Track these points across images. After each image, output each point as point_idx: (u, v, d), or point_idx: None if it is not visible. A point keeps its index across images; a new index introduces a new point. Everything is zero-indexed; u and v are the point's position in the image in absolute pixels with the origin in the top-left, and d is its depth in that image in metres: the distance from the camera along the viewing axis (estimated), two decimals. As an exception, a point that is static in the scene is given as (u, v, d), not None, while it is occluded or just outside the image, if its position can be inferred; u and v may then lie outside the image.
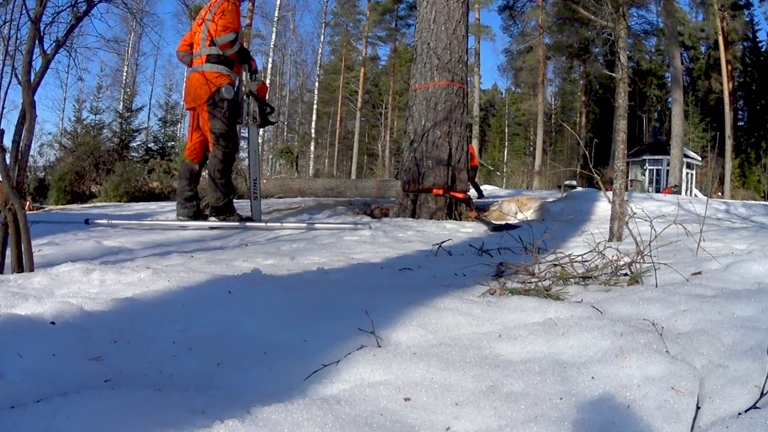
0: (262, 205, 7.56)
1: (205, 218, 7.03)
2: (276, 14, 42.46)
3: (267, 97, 7.48)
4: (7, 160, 3.32)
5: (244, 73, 7.16)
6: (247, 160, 8.00)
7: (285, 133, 58.87)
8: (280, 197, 13.29)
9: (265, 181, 15.10)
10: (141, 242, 5.13)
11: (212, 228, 6.55)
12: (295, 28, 58.98)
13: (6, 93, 3.82)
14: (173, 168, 16.75)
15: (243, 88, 7.11)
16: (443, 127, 8.30)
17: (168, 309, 2.34)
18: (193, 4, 7.63)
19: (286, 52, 60.91)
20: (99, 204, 12.63)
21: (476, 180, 19.21)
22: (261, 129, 7.59)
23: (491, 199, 12.23)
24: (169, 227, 6.55)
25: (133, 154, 23.90)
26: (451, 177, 8.21)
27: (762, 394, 1.36)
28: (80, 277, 3.02)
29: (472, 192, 16.80)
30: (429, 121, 8.35)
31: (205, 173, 7.62)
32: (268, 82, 42.63)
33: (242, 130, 7.61)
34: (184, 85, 7.16)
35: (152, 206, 10.13)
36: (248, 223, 6.73)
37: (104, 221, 6.60)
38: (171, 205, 9.78)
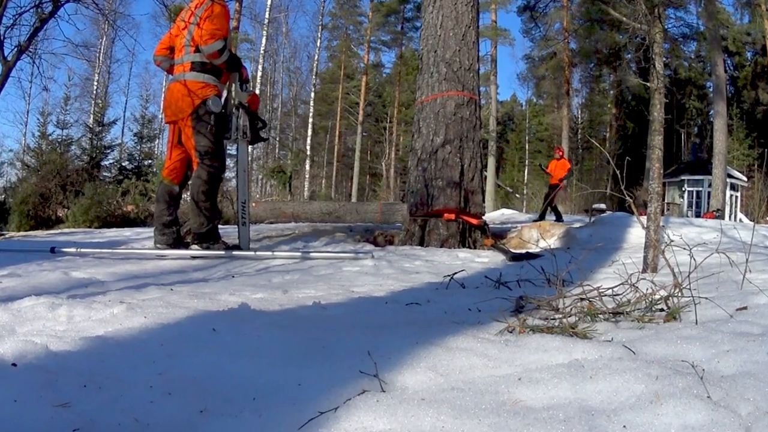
0: (251, 232, 7.56)
1: (186, 246, 7.02)
2: (266, 16, 42.79)
3: (258, 110, 7.48)
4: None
5: (233, 83, 7.16)
6: (233, 180, 8.00)
7: (277, 151, 59.02)
8: (271, 222, 13.32)
9: (254, 204, 15.14)
10: (114, 273, 5.13)
11: (194, 257, 6.54)
12: (288, 31, 59.40)
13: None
14: (150, 190, 16.81)
15: (232, 100, 7.11)
16: (454, 142, 8.40)
17: (144, 349, 2.35)
18: (173, 4, 7.66)
19: (278, 59, 61.31)
20: (66, 230, 12.68)
21: (552, 203, 19.23)
22: (251, 146, 7.57)
23: (510, 225, 12.24)
24: (146, 257, 6.56)
25: (105, 173, 23.97)
26: (464, 198, 8.25)
27: (816, 446, 1.36)
28: (45, 312, 3.02)
29: (493, 216, 16.74)
30: (438, 136, 8.45)
31: (186, 195, 7.62)
32: (257, 91, 42.82)
33: (229, 147, 7.63)
34: (164, 95, 7.16)
35: (126, 233, 10.17)
36: (235, 252, 6.73)
37: (72, 250, 6.61)
38: (148, 232, 9.79)
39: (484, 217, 8.75)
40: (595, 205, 26.91)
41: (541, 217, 18.04)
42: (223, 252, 6.70)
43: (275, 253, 6.84)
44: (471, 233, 8.30)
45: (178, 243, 7.06)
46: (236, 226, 7.33)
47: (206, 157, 6.79)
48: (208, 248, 6.83)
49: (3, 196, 19.22)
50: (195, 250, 6.80)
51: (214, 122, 6.81)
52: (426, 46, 8.88)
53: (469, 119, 8.57)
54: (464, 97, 8.56)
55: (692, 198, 40.86)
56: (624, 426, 1.57)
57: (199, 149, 6.77)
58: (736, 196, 40.42)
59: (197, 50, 6.76)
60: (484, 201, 8.68)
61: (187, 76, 6.78)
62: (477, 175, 8.47)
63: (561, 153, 20.57)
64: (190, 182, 7.03)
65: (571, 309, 2.88)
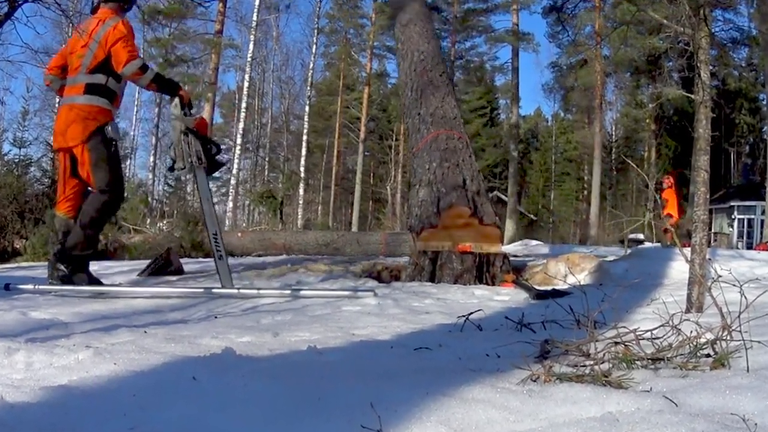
0: (237, 266, 7.55)
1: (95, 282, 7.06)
2: (254, 18, 42.96)
3: (209, 134, 7.48)
4: None
5: (175, 108, 7.15)
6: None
7: (266, 173, 59.15)
8: (259, 255, 13.33)
9: (240, 234, 15.17)
10: (79, 314, 5.15)
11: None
12: (280, 35, 59.65)
13: None
14: (122, 218, 16.81)
15: (177, 126, 7.08)
16: (451, 160, 9.11)
17: (114, 400, 2.35)
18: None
19: (268, 67, 61.59)
20: (25, 264, 12.68)
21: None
22: (210, 174, 7.54)
23: (533, 258, 12.23)
24: (117, 294, 6.58)
25: (68, 199, 23.94)
26: (473, 205, 8.41)
27: None
28: (0, 358, 3.03)
29: (515, 247, 16.65)
30: (434, 161, 9.16)
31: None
32: (244, 104, 43.09)
33: (187, 177, 7.65)
34: (55, 119, 7.24)
35: (94, 266, 10.10)
36: (216, 290, 6.74)
37: (31, 287, 6.62)
38: (118, 266, 9.82)
39: (503, 248, 8.77)
40: (632, 236, 26.80)
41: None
42: (85, 287, 6.75)
43: (263, 290, 6.84)
44: (489, 268, 8.31)
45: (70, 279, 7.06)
46: (213, 260, 7.30)
47: (105, 188, 6.88)
48: (64, 276, 6.83)
49: (-49, 225, 19.14)
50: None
51: (114, 150, 6.95)
52: (410, 115, 10.50)
53: (462, 149, 9.46)
54: (453, 134, 9.58)
55: (743, 227, 40.75)
56: (664, 489, 1.58)
57: (98, 181, 6.86)
58: (795, 225, 40.33)
59: (94, 71, 6.87)
60: (496, 215, 8.80)
61: (80, 99, 6.87)
62: (482, 190, 9.05)
63: (668, 182, 20.14)
64: (84, 206, 7.03)
65: (604, 354, 2.88)
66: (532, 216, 57.12)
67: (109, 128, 6.86)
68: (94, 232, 7.03)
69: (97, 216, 6.93)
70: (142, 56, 6.92)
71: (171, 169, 7.24)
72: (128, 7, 7.38)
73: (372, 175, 64.84)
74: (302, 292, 6.75)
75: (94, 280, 7.06)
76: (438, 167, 9.02)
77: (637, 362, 2.81)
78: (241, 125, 43.07)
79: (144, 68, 6.88)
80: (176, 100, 7.07)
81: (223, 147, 7.37)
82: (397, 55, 12.18)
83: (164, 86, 7.15)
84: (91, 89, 6.86)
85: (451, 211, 8.37)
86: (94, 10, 7.22)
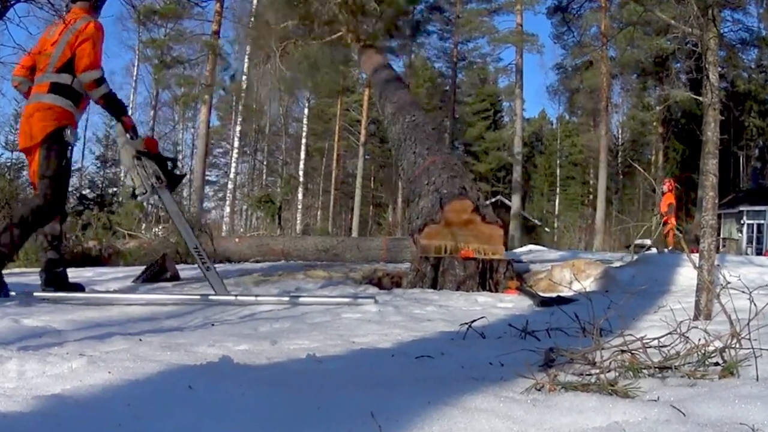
0: (234, 272, 7.54)
1: (73, 288, 7.07)
2: (252, 18, 42.95)
3: (159, 151, 7.42)
4: None
5: (120, 134, 7.11)
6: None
7: (264, 177, 59.03)
8: (257, 261, 13.31)
9: (238, 240, 15.18)
10: (72, 321, 5.14)
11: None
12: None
13: None
14: (116, 222, 16.81)
15: (127, 151, 7.02)
16: (451, 173, 9.72)
17: (108, 410, 2.34)
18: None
19: (266, 69, 61.39)
20: (17, 270, 12.65)
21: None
22: (173, 190, 7.47)
23: (538, 264, 12.23)
24: (111, 301, 6.57)
25: (62, 203, 23.92)
26: (474, 201, 8.62)
27: None
28: (-8, 367, 3.03)
29: (518, 253, 16.72)
30: (434, 174, 9.83)
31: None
32: (240, 107, 43.05)
33: (151, 200, 7.60)
34: (21, 119, 7.17)
35: (88, 273, 10.16)
36: (213, 297, 6.73)
37: (23, 293, 6.62)
38: (113, 272, 9.82)
39: (506, 253, 8.79)
40: (639, 241, 26.65)
41: None
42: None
43: (262, 297, 6.84)
44: (492, 274, 8.31)
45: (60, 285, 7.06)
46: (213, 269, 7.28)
47: (46, 193, 6.72)
48: None
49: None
50: None
51: (68, 156, 6.89)
52: (404, 156, 11.78)
53: (460, 171, 10.22)
54: (449, 161, 10.64)
55: (752, 232, 40.68)
56: (672, 500, 1.58)
57: (42, 184, 6.70)
58: (805, 230, 40.25)
59: (62, 70, 6.80)
60: (498, 219, 8.90)
61: (45, 98, 6.78)
62: (482, 199, 9.52)
63: (669, 186, 20.35)
64: (19, 205, 6.95)
65: (610, 363, 2.88)
66: (536, 221, 57.04)
67: (68, 131, 6.73)
68: (20, 233, 6.69)
69: (28, 217, 6.69)
70: (103, 68, 6.84)
71: (134, 196, 7.18)
72: (99, 5, 7.32)
73: (373, 179, 64.73)
74: (301, 299, 6.75)
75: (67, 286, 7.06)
76: (438, 177, 9.54)
77: (644, 371, 2.81)
78: (238, 128, 43.12)
79: (100, 81, 6.80)
80: (119, 126, 7.08)
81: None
82: (386, 123, 14.37)
83: (111, 106, 7.09)
84: (55, 88, 6.77)
85: (453, 205, 8.50)
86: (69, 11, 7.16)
